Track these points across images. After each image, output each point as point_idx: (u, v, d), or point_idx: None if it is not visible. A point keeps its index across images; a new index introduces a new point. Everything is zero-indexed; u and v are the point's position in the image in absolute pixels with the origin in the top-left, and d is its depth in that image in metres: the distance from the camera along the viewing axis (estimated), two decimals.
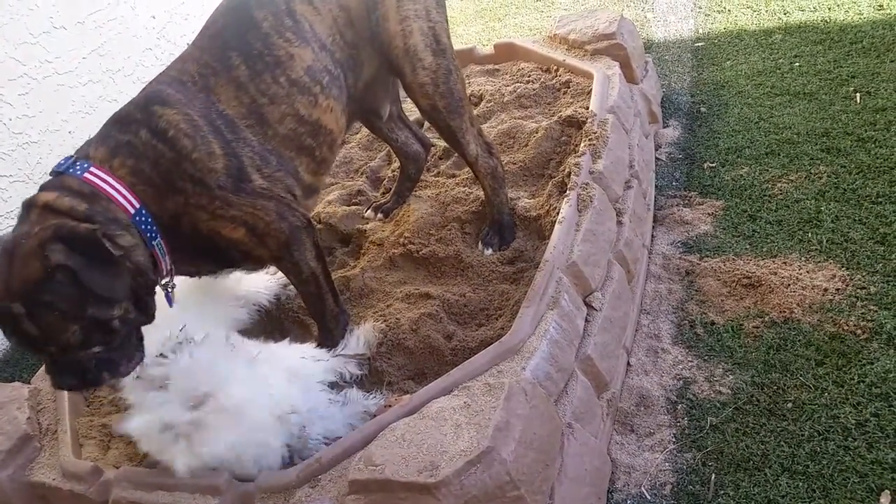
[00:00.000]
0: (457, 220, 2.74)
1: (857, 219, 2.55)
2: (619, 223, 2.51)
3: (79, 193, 1.77)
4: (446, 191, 2.94)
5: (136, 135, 1.85)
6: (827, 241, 2.51)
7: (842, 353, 2.13)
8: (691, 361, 2.27)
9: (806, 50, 3.59)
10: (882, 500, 1.75)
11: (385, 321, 2.42)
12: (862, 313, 2.22)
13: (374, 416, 1.99)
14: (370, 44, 2.25)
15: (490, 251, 2.57)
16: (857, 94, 3.14)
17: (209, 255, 2.05)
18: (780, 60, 3.59)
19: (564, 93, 3.25)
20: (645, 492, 1.96)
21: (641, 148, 2.96)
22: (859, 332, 2.17)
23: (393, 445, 1.66)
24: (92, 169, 1.81)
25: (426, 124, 3.39)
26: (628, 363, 2.32)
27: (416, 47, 2.26)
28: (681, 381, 2.22)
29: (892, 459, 1.82)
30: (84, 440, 2.26)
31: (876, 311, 2.21)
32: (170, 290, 2.00)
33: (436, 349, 2.29)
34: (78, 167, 1.82)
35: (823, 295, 2.32)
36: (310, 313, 2.36)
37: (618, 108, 2.87)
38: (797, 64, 3.51)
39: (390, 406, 1.98)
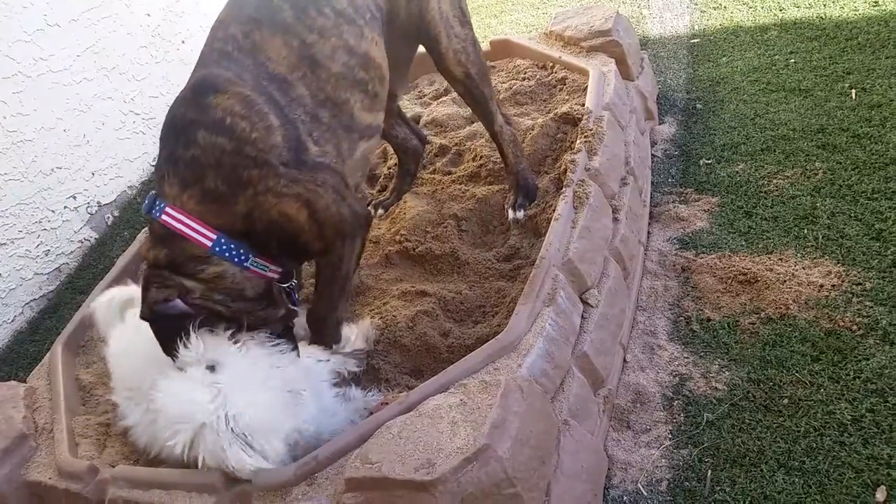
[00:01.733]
0: (453, 218, 2.74)
1: (852, 215, 2.56)
2: (615, 220, 2.51)
3: (160, 239, 1.89)
4: (442, 188, 2.94)
5: (196, 144, 1.84)
6: (823, 238, 2.51)
7: (837, 349, 2.13)
8: (687, 358, 2.28)
9: (801, 46, 3.59)
10: (878, 495, 1.75)
11: (382, 318, 2.43)
12: (857, 309, 2.23)
13: (371, 413, 1.99)
14: (405, 8, 2.29)
15: (522, 213, 2.61)
16: (853, 91, 3.14)
17: (285, 247, 2.02)
18: (776, 57, 3.59)
19: (560, 90, 3.25)
20: (641, 488, 1.96)
21: (637, 145, 2.96)
22: (855, 328, 2.17)
23: (389, 443, 1.66)
24: (167, 209, 1.86)
25: (422, 120, 3.39)
26: (624, 360, 2.32)
27: (449, 15, 2.36)
28: (677, 378, 2.22)
29: (887, 455, 1.83)
30: (80, 439, 2.26)
31: (871, 307, 2.22)
32: (292, 288, 2.10)
33: (432, 346, 2.29)
34: (156, 209, 1.88)
35: (819, 291, 2.32)
36: (314, 311, 2.27)
37: (613, 105, 2.87)
38: (793, 60, 3.51)
39: (387, 403, 1.98)
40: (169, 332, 1.87)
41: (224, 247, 1.88)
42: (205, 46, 2.03)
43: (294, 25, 2.00)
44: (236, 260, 1.91)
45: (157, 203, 1.88)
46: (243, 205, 1.88)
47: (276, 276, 2.01)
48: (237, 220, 1.89)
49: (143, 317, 1.91)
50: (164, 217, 1.86)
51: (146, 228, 3.15)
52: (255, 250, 1.94)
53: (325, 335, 2.24)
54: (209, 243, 1.87)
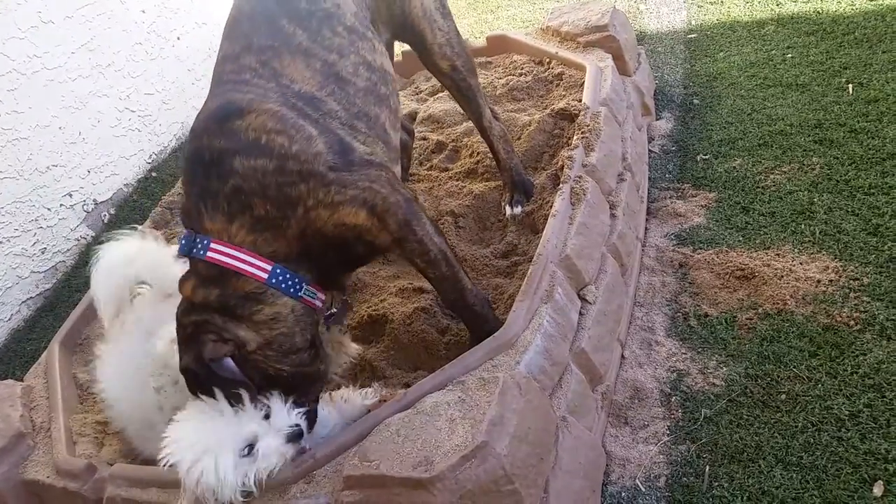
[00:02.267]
0: (450, 214, 2.73)
1: (849, 210, 2.56)
2: (613, 216, 2.51)
3: (208, 279, 1.76)
4: (439, 184, 2.93)
5: (233, 173, 1.73)
6: (820, 233, 2.51)
7: (835, 345, 2.13)
8: (685, 354, 2.28)
9: (798, 41, 3.58)
10: (875, 490, 1.76)
11: (379, 315, 2.42)
12: (855, 304, 2.23)
13: (369, 411, 1.99)
14: (388, 8, 2.27)
15: (520, 209, 2.60)
16: (850, 86, 3.14)
17: (342, 258, 1.94)
18: (773, 52, 3.59)
19: (557, 85, 3.24)
20: (639, 484, 1.96)
21: (634, 140, 2.96)
22: (852, 323, 2.18)
23: (387, 441, 1.66)
24: (212, 245, 1.74)
25: (419, 116, 3.38)
26: (622, 356, 2.33)
27: (431, 9, 2.33)
28: (675, 374, 2.23)
29: (885, 450, 1.83)
30: (78, 437, 2.25)
31: (869, 303, 2.22)
32: (328, 317, 2.02)
33: (430, 344, 2.29)
34: (199, 247, 1.75)
35: (816, 286, 2.33)
36: (450, 307, 2.16)
37: (610, 101, 2.86)
38: (790, 55, 3.50)
39: (385, 401, 1.98)
40: (210, 382, 1.74)
41: (280, 277, 1.78)
42: (212, 85, 1.93)
43: (312, 48, 1.92)
44: (291, 290, 1.79)
45: (199, 241, 1.76)
46: (295, 226, 1.78)
47: (320, 304, 1.91)
48: (292, 243, 1.79)
49: (185, 368, 1.77)
50: (210, 254, 1.74)
51: (141, 227, 3.17)
52: (311, 273, 1.85)
53: (482, 320, 2.07)
54: (265, 275, 1.76)
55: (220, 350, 1.72)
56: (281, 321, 1.80)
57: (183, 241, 1.81)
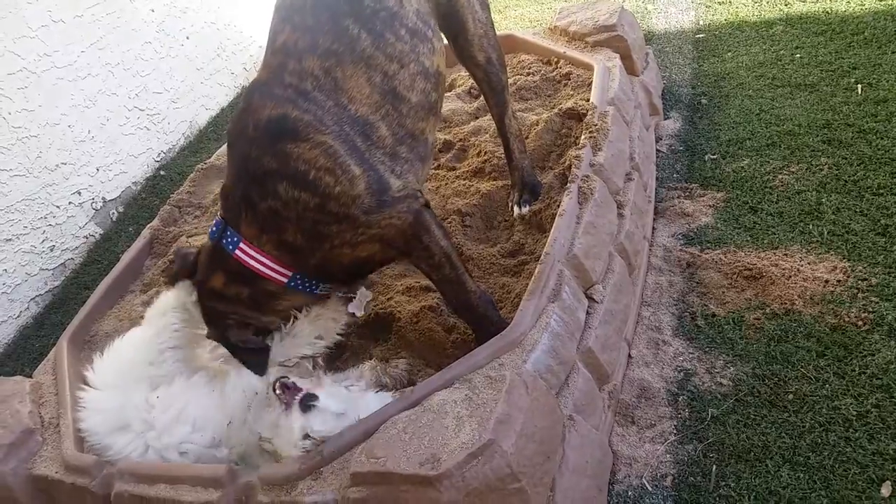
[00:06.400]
0: (457, 213, 2.73)
1: (858, 210, 2.55)
2: (620, 215, 2.51)
3: (238, 277, 1.94)
4: (446, 183, 2.94)
5: (276, 196, 1.82)
6: (828, 233, 2.50)
7: (843, 345, 2.13)
8: (692, 353, 2.27)
9: (807, 41, 3.57)
10: (883, 490, 1.75)
11: (387, 314, 2.43)
12: (863, 305, 2.22)
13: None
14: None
15: (527, 208, 2.60)
16: (859, 86, 3.13)
17: (355, 273, 2.11)
18: (782, 52, 3.58)
19: (565, 85, 3.24)
20: (646, 483, 1.96)
21: (642, 140, 2.96)
22: (860, 323, 2.17)
23: (394, 438, 1.67)
24: (242, 246, 1.90)
25: None
26: (629, 355, 2.32)
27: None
28: (682, 373, 2.22)
29: (893, 450, 1.82)
30: None
31: (877, 303, 2.21)
32: (352, 296, 2.28)
33: (437, 342, 2.29)
34: (230, 241, 1.91)
35: (824, 286, 2.32)
36: (452, 307, 2.19)
37: (618, 100, 2.86)
38: (798, 55, 3.49)
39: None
40: (247, 353, 2.04)
41: (298, 281, 1.97)
42: (270, 77, 1.91)
43: (375, 56, 1.91)
44: (308, 290, 2.01)
45: (230, 235, 1.91)
46: (319, 258, 1.92)
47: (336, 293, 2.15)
48: (309, 268, 1.96)
49: (212, 338, 2.09)
50: (238, 253, 1.90)
51: (150, 225, 3.18)
52: (326, 282, 2.05)
53: (487, 322, 2.09)
54: (285, 280, 1.95)
55: (244, 334, 2.01)
56: (299, 307, 2.09)
57: (215, 228, 1.96)
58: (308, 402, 1.85)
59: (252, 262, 1.90)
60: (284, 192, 1.81)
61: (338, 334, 2.26)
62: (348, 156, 1.83)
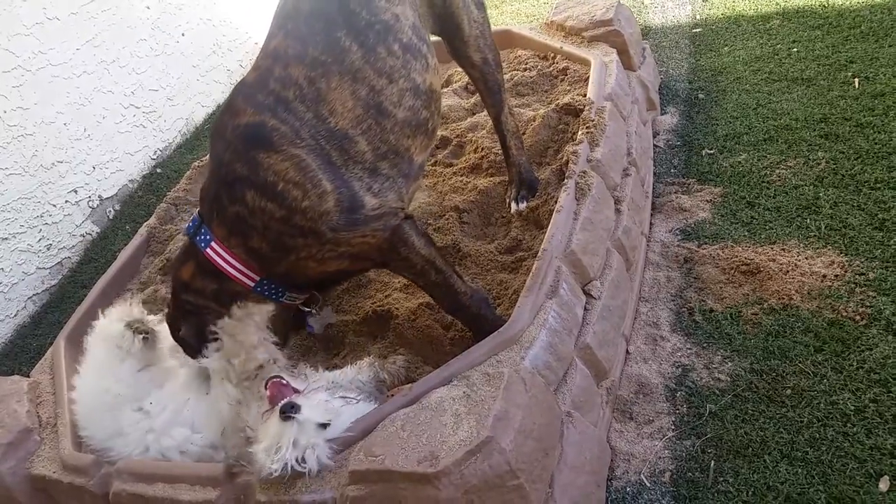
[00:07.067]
0: (454, 210, 2.73)
1: (855, 205, 2.55)
2: (618, 211, 2.50)
3: (207, 272, 1.94)
4: (444, 180, 2.93)
5: (243, 202, 1.83)
6: (825, 228, 2.50)
7: (840, 340, 2.13)
8: (690, 349, 2.27)
9: (804, 35, 3.57)
10: (881, 485, 1.75)
11: (384, 311, 2.42)
12: (861, 299, 2.22)
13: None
14: (430, 3, 2.23)
15: (524, 204, 2.59)
16: (856, 80, 3.13)
17: (316, 285, 2.12)
18: (779, 46, 3.57)
19: (562, 80, 3.24)
20: (644, 479, 1.96)
21: (639, 135, 2.95)
22: (858, 318, 2.17)
23: (393, 436, 1.67)
24: (213, 244, 1.90)
25: None
26: (627, 351, 2.32)
27: (468, 0, 2.32)
28: (680, 369, 2.22)
29: (890, 445, 1.83)
30: None
31: (875, 297, 2.21)
32: (315, 312, 2.21)
33: (435, 339, 2.29)
34: (203, 238, 1.91)
35: (822, 281, 2.32)
36: (447, 311, 2.18)
37: (615, 96, 2.86)
38: (795, 49, 3.49)
39: (391, 396, 1.98)
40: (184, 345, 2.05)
41: (265, 287, 1.96)
42: (257, 78, 1.90)
43: (363, 70, 1.88)
44: (273, 297, 1.99)
45: (204, 233, 1.91)
46: (284, 267, 1.92)
47: (299, 303, 2.12)
48: (277, 275, 1.95)
49: (182, 338, 2.04)
50: (209, 251, 1.90)
51: (147, 223, 3.17)
52: (294, 290, 2.03)
53: (482, 321, 2.10)
54: (252, 284, 1.94)
55: (191, 332, 2.00)
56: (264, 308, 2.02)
57: (192, 224, 1.96)
58: (287, 413, 1.71)
59: (221, 263, 1.90)
60: (251, 201, 1.81)
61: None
62: (320, 171, 1.81)
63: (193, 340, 2.01)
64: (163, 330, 2.19)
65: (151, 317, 2.27)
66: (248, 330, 1.96)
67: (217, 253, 1.89)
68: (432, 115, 2.07)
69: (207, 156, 3.59)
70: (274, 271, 1.94)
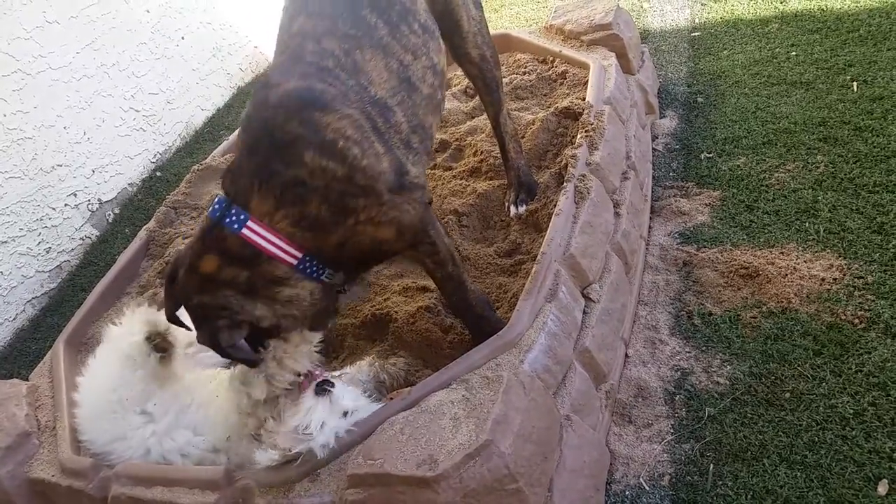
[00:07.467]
0: (454, 213, 2.73)
1: (854, 208, 2.55)
2: (617, 215, 2.51)
3: (237, 259, 1.76)
4: (443, 183, 2.93)
5: (301, 164, 1.71)
6: (824, 231, 2.51)
7: (839, 343, 2.13)
8: (689, 352, 2.28)
9: (803, 39, 3.57)
10: (879, 489, 1.75)
11: (383, 314, 2.42)
12: (859, 303, 2.22)
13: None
14: None
15: (524, 208, 2.60)
16: (855, 83, 3.13)
17: (365, 260, 2.01)
18: (777, 50, 3.58)
19: (561, 84, 3.24)
20: (643, 483, 1.96)
21: (638, 139, 2.96)
22: (857, 321, 2.17)
23: (392, 439, 1.67)
24: (250, 224, 1.74)
25: None
26: (626, 355, 2.32)
27: None
28: (679, 372, 2.22)
29: (889, 448, 1.83)
30: None
31: (873, 301, 2.21)
32: (345, 290, 2.05)
33: (434, 342, 2.29)
34: (234, 220, 1.74)
35: (821, 285, 2.32)
36: (452, 306, 2.18)
37: (614, 99, 2.86)
38: (794, 53, 3.50)
39: (390, 399, 1.98)
40: (223, 355, 1.90)
41: (307, 265, 1.82)
42: (286, 59, 1.88)
43: (391, 45, 1.92)
44: (315, 274, 1.85)
45: (235, 213, 1.75)
46: (341, 234, 1.81)
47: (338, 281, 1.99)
48: (327, 250, 1.83)
49: (202, 343, 1.87)
50: (245, 231, 1.74)
51: (146, 226, 3.17)
52: (334, 270, 1.91)
53: (483, 322, 2.11)
54: (294, 261, 1.79)
55: (235, 337, 1.80)
56: (297, 301, 1.86)
57: (216, 206, 1.79)
58: (324, 387, 1.82)
59: (260, 241, 1.74)
60: (311, 161, 1.72)
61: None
62: (372, 132, 1.81)
63: (245, 351, 1.84)
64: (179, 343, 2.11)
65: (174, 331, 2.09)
66: (301, 359, 1.91)
67: (254, 231, 1.73)
68: (443, 96, 2.13)
69: (207, 159, 3.60)
70: (326, 242, 1.81)
